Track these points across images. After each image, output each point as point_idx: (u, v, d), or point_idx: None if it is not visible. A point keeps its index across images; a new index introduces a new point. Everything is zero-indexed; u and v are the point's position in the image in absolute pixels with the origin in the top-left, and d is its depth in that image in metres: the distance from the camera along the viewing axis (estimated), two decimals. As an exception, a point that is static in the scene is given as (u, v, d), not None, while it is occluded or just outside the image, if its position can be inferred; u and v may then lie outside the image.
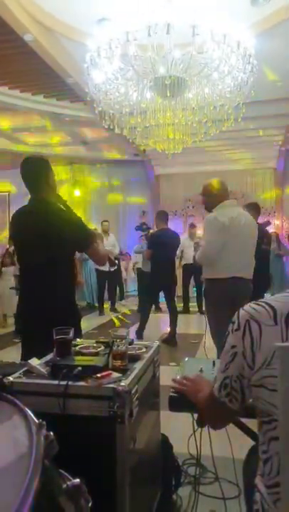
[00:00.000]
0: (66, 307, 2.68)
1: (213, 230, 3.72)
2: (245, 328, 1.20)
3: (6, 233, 13.42)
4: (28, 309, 2.77)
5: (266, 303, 1.22)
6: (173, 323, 6.60)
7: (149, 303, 7.03)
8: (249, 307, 1.23)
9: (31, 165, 2.77)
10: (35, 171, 2.75)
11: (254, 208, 5.57)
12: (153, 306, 8.92)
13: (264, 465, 1.22)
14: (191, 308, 9.50)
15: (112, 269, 8.46)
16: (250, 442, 1.80)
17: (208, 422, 1.53)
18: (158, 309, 8.83)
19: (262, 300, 1.25)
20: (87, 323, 7.67)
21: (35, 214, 2.73)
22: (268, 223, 5.97)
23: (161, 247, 6.58)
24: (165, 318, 7.19)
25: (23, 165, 2.75)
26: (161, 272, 6.60)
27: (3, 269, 7.96)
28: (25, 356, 2.41)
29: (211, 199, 3.92)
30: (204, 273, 3.90)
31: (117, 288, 10.35)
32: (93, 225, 9.53)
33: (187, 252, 9.25)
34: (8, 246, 8.90)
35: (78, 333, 2.63)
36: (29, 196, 2.80)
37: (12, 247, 9.29)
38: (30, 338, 2.69)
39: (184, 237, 9.50)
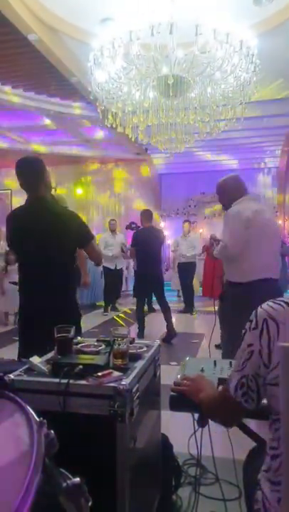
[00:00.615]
0: (66, 305, 2.68)
1: (235, 224, 3.35)
2: (262, 327, 1.20)
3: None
4: (28, 307, 2.77)
5: (285, 302, 1.22)
6: (168, 321, 6.57)
7: (140, 303, 6.98)
8: (267, 306, 1.23)
9: (28, 165, 2.79)
10: (32, 170, 2.77)
11: None
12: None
13: (272, 460, 1.21)
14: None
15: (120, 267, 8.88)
16: (251, 443, 1.80)
17: (218, 420, 1.53)
18: (151, 310, 8.78)
19: (280, 299, 1.25)
20: (88, 321, 7.67)
21: (34, 213, 2.74)
22: None
23: (144, 244, 6.59)
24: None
25: (19, 165, 2.77)
26: (148, 272, 6.61)
27: (8, 267, 7.85)
28: (24, 354, 2.42)
29: (226, 196, 3.63)
30: (228, 275, 3.55)
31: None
32: (93, 228, 9.56)
33: (181, 249, 9.28)
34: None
35: (79, 332, 2.64)
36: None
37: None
38: (30, 335, 2.69)
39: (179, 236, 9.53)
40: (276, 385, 1.17)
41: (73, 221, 2.73)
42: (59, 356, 1.85)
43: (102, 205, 13.73)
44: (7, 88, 7.63)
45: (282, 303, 1.22)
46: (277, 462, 1.19)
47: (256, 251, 3.31)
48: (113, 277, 9.27)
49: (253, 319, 1.24)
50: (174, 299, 9.85)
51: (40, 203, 2.74)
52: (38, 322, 2.56)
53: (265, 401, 1.27)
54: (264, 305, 1.24)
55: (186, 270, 9.29)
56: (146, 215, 6.94)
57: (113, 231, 9.31)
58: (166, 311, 6.58)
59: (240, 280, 3.35)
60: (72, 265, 2.85)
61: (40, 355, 1.90)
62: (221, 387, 1.50)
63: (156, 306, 8.71)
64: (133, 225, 10.18)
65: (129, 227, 10.49)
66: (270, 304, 1.23)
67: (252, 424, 1.83)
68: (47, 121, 9.37)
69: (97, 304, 9.84)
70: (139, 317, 6.80)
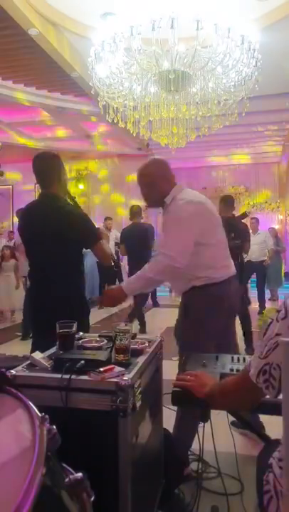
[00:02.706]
0: (76, 301, 2.68)
1: (186, 219, 2.51)
2: None
3: (5, 224, 13.46)
4: (37, 304, 2.78)
5: None
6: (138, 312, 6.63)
7: (136, 299, 6.95)
8: None
9: (43, 161, 2.78)
10: (46, 166, 2.77)
11: (226, 201, 5.42)
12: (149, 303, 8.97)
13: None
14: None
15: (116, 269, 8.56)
16: (253, 438, 1.80)
17: (234, 405, 1.52)
18: (156, 305, 8.83)
19: None
20: (90, 317, 7.66)
21: (44, 209, 2.74)
22: (244, 216, 5.73)
23: (131, 240, 6.53)
24: (166, 312, 7.17)
25: (35, 160, 2.77)
26: (139, 267, 6.58)
27: (2, 263, 7.77)
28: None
29: (157, 187, 2.65)
30: (187, 280, 2.59)
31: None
32: (95, 222, 9.56)
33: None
34: (8, 239, 8.81)
35: (87, 328, 2.64)
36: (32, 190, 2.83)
37: (13, 241, 9.27)
38: (40, 331, 2.70)
39: None
40: None
41: (79, 222, 2.70)
42: (61, 352, 1.86)
43: (102, 200, 13.71)
44: (8, 83, 7.61)
45: None
46: None
47: (214, 244, 2.61)
48: (108, 273, 9.30)
49: (282, 309, 1.24)
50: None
51: (48, 201, 2.74)
52: (47, 317, 2.56)
53: (280, 396, 1.27)
54: None
55: None
56: (134, 210, 6.87)
57: (108, 230, 9.29)
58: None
59: (204, 282, 2.54)
60: (78, 264, 2.82)
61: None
62: (233, 376, 1.49)
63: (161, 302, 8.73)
64: None
65: None
66: None
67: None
68: (47, 117, 9.35)
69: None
70: (138, 314, 6.79)
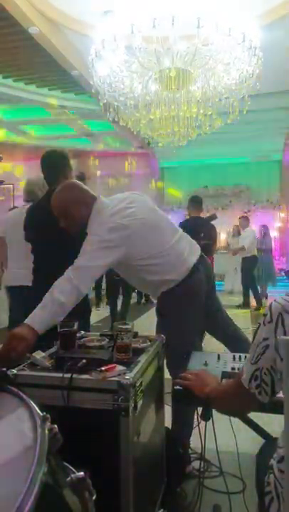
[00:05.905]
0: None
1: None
2: (277, 321, 1.20)
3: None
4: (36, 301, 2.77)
5: None
6: (121, 314, 6.68)
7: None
8: (282, 299, 1.23)
9: (47, 158, 2.83)
10: (53, 163, 2.81)
11: (194, 201, 5.53)
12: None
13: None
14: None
15: None
16: (255, 436, 1.80)
17: (229, 411, 1.52)
18: (149, 302, 8.99)
19: None
20: (91, 316, 7.67)
21: (43, 206, 2.74)
22: (214, 217, 5.77)
23: None
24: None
25: (43, 157, 2.82)
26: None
27: None
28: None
29: (72, 216, 2.35)
30: (154, 288, 2.52)
31: None
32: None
33: None
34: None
35: (88, 328, 2.63)
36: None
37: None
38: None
39: None
40: None
41: None
42: (62, 351, 1.86)
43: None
44: (8, 81, 7.60)
45: None
46: None
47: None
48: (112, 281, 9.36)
49: (268, 313, 1.23)
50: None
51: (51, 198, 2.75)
52: None
53: (281, 394, 1.26)
54: (278, 298, 1.24)
55: None
56: None
57: None
58: (125, 306, 6.77)
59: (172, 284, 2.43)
60: None
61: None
62: (231, 380, 1.49)
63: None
64: None
65: None
66: (285, 297, 1.22)
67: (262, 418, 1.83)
68: (48, 115, 9.34)
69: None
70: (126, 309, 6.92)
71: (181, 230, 2.60)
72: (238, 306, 8.51)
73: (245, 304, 8.60)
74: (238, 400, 1.38)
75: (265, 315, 1.24)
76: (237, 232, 10.11)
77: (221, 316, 2.74)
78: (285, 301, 1.21)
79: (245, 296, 8.74)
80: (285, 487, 1.09)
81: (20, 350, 1.84)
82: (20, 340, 1.86)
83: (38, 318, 1.99)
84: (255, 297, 8.72)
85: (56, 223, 2.59)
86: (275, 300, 1.24)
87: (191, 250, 2.52)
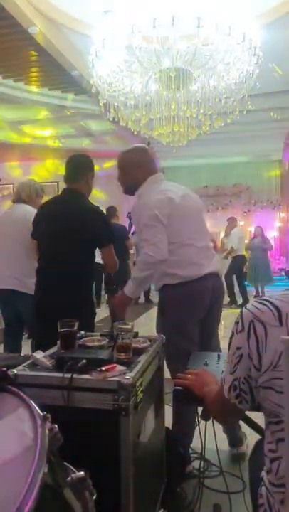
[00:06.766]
0: (76, 303, 2.66)
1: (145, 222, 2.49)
2: (249, 329, 1.17)
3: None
4: (39, 300, 2.76)
5: (270, 302, 1.18)
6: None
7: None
8: (252, 306, 1.19)
9: (71, 159, 2.90)
10: (77, 162, 2.89)
11: None
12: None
13: (271, 463, 1.20)
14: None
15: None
16: (255, 436, 1.80)
17: (218, 419, 1.52)
18: (149, 301, 9.12)
19: (264, 298, 1.21)
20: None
21: (65, 202, 2.80)
22: None
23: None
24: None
25: (69, 158, 2.91)
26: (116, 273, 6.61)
27: None
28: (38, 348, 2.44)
29: (128, 174, 2.71)
30: (159, 277, 2.58)
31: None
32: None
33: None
34: None
35: (92, 329, 2.63)
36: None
37: None
38: (44, 327, 2.67)
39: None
40: (269, 388, 1.15)
41: (94, 221, 2.69)
42: (62, 351, 1.86)
43: (103, 198, 13.69)
44: (8, 82, 7.60)
45: (267, 303, 1.18)
46: (276, 465, 1.18)
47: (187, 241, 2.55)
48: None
49: (239, 321, 1.20)
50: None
51: (72, 194, 2.80)
52: (48, 316, 2.55)
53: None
54: (249, 306, 1.21)
55: None
56: (110, 212, 7.33)
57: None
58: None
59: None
60: (87, 264, 2.78)
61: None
62: (219, 387, 1.49)
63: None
64: (130, 215, 10.40)
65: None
66: (256, 304, 1.19)
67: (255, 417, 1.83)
68: (48, 115, 9.33)
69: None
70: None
71: (211, 245, 2.70)
72: (240, 305, 8.52)
73: (245, 301, 8.63)
74: (222, 409, 1.37)
75: (237, 323, 1.22)
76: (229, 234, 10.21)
77: (213, 344, 2.70)
78: (256, 309, 1.18)
79: (232, 294, 8.83)
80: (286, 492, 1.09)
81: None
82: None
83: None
84: (242, 296, 8.86)
85: (66, 221, 2.60)
86: (245, 307, 1.21)
87: (208, 264, 2.58)
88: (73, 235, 2.64)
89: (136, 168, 2.66)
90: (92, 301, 2.94)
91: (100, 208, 2.85)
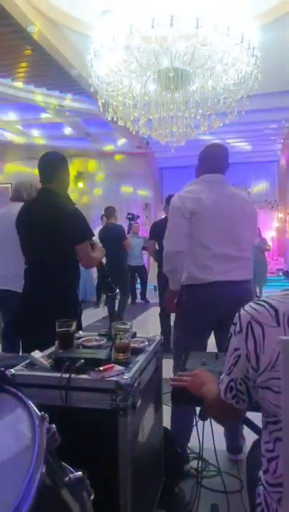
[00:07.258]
0: (67, 299, 2.67)
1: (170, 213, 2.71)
2: (247, 330, 1.18)
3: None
4: (28, 300, 2.76)
5: (267, 302, 1.19)
6: (118, 314, 6.85)
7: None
8: (250, 307, 1.21)
9: (47, 158, 2.85)
10: (49, 162, 2.83)
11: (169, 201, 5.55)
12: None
13: (268, 463, 1.20)
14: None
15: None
16: (253, 436, 1.80)
17: (217, 420, 1.52)
18: (146, 301, 9.53)
19: (262, 299, 1.22)
20: (90, 315, 7.68)
21: (40, 203, 2.77)
22: None
23: (105, 241, 6.67)
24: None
25: (40, 158, 2.84)
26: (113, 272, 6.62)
27: None
28: (26, 348, 2.44)
29: (199, 166, 2.90)
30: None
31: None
32: (93, 217, 10.59)
33: (132, 251, 8.60)
34: None
35: (79, 328, 2.62)
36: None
37: None
38: (30, 327, 2.67)
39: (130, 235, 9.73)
40: (266, 388, 1.16)
41: (70, 218, 2.65)
42: (60, 350, 1.86)
43: (102, 199, 13.68)
44: (6, 81, 7.59)
45: (264, 304, 1.19)
46: (274, 464, 1.18)
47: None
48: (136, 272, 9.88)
49: (237, 322, 1.22)
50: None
51: (46, 194, 2.77)
52: (37, 313, 2.56)
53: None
54: (246, 307, 1.22)
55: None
56: (108, 212, 7.31)
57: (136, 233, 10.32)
58: (118, 310, 6.95)
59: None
60: (69, 263, 2.73)
61: (42, 349, 1.90)
62: (217, 388, 1.49)
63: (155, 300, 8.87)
64: (129, 216, 11.22)
65: (132, 218, 11.24)
66: (253, 305, 1.20)
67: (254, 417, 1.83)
68: (47, 115, 9.33)
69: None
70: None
71: (240, 255, 2.62)
72: None
73: None
74: (220, 409, 1.38)
75: (234, 324, 1.23)
76: None
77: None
78: (253, 310, 1.19)
79: None
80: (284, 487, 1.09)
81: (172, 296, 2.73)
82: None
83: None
84: None
85: (45, 221, 2.60)
86: (242, 308, 1.22)
87: (224, 273, 2.55)
88: (50, 236, 2.63)
89: (199, 163, 2.85)
90: (77, 300, 2.91)
91: (76, 207, 2.82)
